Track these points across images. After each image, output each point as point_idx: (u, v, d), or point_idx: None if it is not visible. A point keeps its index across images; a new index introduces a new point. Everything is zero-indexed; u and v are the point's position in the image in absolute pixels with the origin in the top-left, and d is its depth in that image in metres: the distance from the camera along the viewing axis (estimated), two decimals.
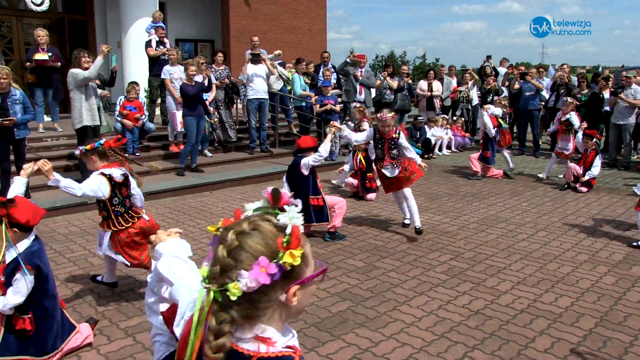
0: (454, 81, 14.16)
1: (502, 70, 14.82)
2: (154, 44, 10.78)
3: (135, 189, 4.48)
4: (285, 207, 1.37)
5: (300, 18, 18.08)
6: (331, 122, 6.79)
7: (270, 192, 1.40)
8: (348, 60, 11.56)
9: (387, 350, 3.79)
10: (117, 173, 4.25)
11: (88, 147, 4.21)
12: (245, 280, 1.26)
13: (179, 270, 1.77)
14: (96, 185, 4.13)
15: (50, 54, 10.18)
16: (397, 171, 6.28)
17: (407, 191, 6.36)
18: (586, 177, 8.73)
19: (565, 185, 9.04)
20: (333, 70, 11.80)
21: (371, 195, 8.19)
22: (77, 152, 4.36)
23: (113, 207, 4.27)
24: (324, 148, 6.12)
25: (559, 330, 4.06)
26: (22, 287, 3.33)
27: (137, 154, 9.88)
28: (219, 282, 1.30)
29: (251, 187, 9.28)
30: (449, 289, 4.87)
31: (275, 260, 1.29)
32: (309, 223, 6.19)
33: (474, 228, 6.79)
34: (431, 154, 12.46)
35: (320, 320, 4.24)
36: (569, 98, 9.96)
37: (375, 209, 7.74)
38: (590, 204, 8.00)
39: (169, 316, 1.70)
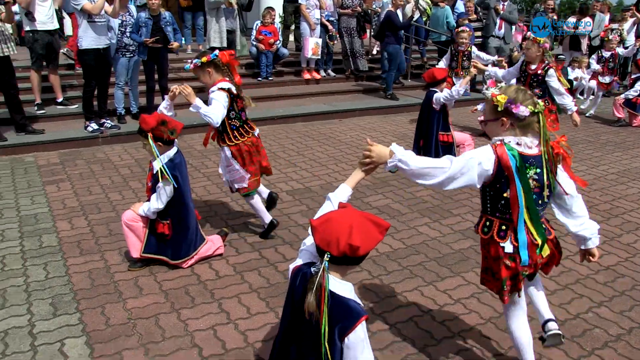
0: (607, 18, 12.79)
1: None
2: None
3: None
4: None
5: None
6: (473, 63, 6.43)
7: None
8: None
9: None
10: (232, 86, 4.08)
11: (204, 59, 3.99)
12: None
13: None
14: (222, 107, 3.97)
15: None
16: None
17: None
18: None
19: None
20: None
21: None
22: (189, 66, 4.11)
23: (230, 121, 4.12)
24: (457, 90, 5.77)
25: None
26: (163, 193, 3.71)
27: (270, 78, 10.16)
28: None
29: (379, 117, 9.26)
30: None
31: None
32: None
33: (613, 180, 6.33)
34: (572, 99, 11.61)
35: (441, 256, 4.27)
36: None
37: None
38: None
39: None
